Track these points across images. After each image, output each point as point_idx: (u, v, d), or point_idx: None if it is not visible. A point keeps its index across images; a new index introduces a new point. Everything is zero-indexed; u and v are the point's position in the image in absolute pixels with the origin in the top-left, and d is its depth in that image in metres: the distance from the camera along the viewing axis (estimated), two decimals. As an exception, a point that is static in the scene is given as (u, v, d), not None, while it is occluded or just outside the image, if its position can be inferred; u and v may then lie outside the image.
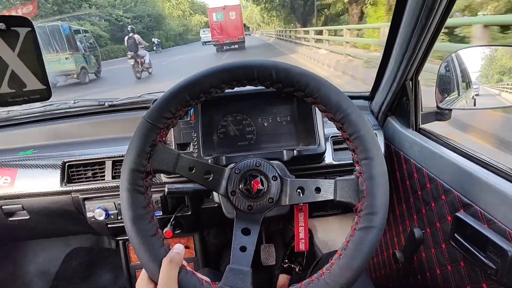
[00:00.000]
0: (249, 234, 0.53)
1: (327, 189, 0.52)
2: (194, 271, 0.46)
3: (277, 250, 1.32)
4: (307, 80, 0.49)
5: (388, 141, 0.91)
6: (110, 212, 0.90)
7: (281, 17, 26.84)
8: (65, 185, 0.89)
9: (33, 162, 0.92)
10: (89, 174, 0.91)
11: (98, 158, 0.90)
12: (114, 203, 0.90)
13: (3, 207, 0.92)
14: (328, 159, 0.88)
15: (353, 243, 0.46)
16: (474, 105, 0.74)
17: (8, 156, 0.96)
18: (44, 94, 0.55)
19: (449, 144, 0.71)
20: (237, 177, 0.55)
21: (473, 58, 0.74)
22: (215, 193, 0.78)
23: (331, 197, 0.52)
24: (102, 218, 0.89)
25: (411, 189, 0.80)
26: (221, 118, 0.88)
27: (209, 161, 0.77)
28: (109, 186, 0.89)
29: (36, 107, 1.10)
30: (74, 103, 1.10)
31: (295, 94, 0.51)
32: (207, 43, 28.90)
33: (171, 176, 0.85)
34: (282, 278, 1.21)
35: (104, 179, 0.89)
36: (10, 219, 0.94)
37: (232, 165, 0.57)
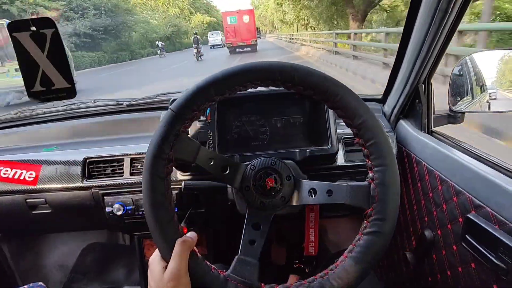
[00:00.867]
0: (259, 229, 0.55)
1: (339, 193, 0.54)
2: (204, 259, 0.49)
3: (288, 250, 1.34)
4: (327, 84, 0.51)
5: (400, 144, 0.91)
6: (127, 208, 0.93)
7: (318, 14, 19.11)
8: (86, 180, 0.93)
9: (56, 158, 0.96)
10: (108, 170, 0.95)
11: (117, 155, 0.94)
12: (132, 199, 0.93)
13: (27, 200, 0.97)
14: (340, 160, 0.89)
15: (360, 247, 0.48)
16: (489, 109, 0.74)
17: (32, 152, 1.01)
18: (70, 93, 0.60)
19: (461, 147, 0.71)
20: (252, 173, 0.57)
21: (488, 61, 0.74)
22: (229, 190, 0.80)
23: (342, 201, 0.53)
24: (120, 213, 0.93)
25: (422, 191, 0.80)
26: (235, 118, 0.91)
27: None
28: (127, 183, 0.92)
29: (58, 106, 1.16)
30: (94, 102, 1.15)
31: (314, 97, 0.53)
32: (215, 47, 28.35)
33: (186, 173, 0.88)
34: (292, 279, 1.22)
35: (122, 176, 0.93)
36: (33, 212, 0.99)
37: (248, 162, 0.59)
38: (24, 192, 0.95)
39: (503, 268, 0.50)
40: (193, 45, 15.48)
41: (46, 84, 0.54)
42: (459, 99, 0.78)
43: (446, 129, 0.87)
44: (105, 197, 0.94)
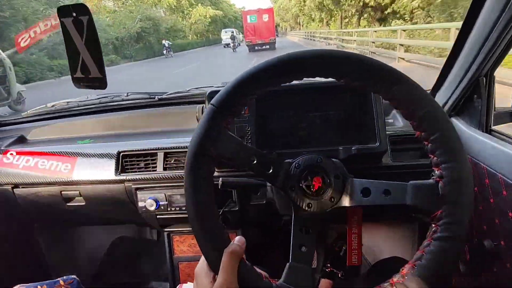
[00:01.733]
0: (308, 232, 0.51)
1: (399, 193, 0.48)
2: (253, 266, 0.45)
3: (318, 253, 1.28)
4: (383, 73, 0.46)
5: None
6: (160, 203, 0.91)
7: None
8: (119, 174, 0.92)
9: (91, 151, 0.96)
10: (142, 164, 0.93)
11: (151, 149, 0.92)
12: (165, 194, 0.91)
13: (62, 192, 0.97)
14: (386, 159, 0.83)
15: (431, 254, 0.42)
16: None
17: (67, 144, 1.01)
18: (102, 84, 0.58)
19: None
20: (297, 172, 0.53)
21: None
22: (268, 189, 0.77)
23: (403, 202, 0.48)
24: (152, 208, 0.91)
25: (480, 196, 0.73)
26: (271, 113, 0.87)
27: None
28: (160, 177, 0.90)
29: (92, 99, 1.16)
30: (127, 95, 1.15)
31: (367, 88, 0.48)
32: (229, 46, 25.09)
33: (222, 169, 0.85)
34: (324, 283, 1.16)
35: (155, 170, 0.91)
36: (68, 204, 1.00)
37: (292, 159, 0.55)
38: (59, 184, 0.96)
39: None
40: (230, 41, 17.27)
41: (85, 71, 0.53)
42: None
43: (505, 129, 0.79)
44: (138, 192, 0.93)
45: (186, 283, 0.98)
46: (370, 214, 0.95)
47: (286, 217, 1.00)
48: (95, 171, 0.94)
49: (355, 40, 12.20)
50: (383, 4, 15.47)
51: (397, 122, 0.91)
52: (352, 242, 0.78)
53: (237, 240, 0.45)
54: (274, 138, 0.86)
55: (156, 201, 0.91)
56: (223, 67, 11.38)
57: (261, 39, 18.18)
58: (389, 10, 15.35)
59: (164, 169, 0.91)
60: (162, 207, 0.92)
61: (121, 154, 0.93)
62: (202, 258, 0.45)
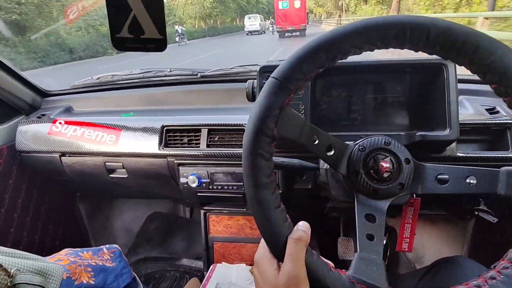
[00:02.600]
0: (374, 221, 0.46)
1: (487, 180, 0.42)
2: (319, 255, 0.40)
3: (356, 245, 1.23)
4: (477, 40, 0.38)
5: None
6: (202, 180, 0.89)
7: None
8: (163, 148, 0.91)
9: (135, 124, 0.96)
10: (185, 140, 0.91)
11: (195, 125, 0.90)
12: (207, 171, 0.89)
13: (106, 163, 0.98)
14: (450, 150, 0.74)
15: None
16: None
17: (112, 116, 1.02)
18: (160, 45, 0.53)
19: None
20: (362, 155, 0.48)
21: None
22: (321, 172, 0.71)
23: (493, 191, 0.42)
24: (194, 185, 0.90)
25: None
26: (322, 93, 0.81)
27: None
28: (203, 154, 0.88)
29: (136, 73, 1.15)
30: (170, 71, 1.13)
31: (455, 60, 0.41)
32: (253, 33, 23.09)
33: None
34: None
35: (199, 147, 0.89)
36: (110, 175, 1.01)
37: (353, 142, 0.50)
38: (104, 155, 0.97)
39: None
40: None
41: (135, 31, 0.48)
42: None
43: None
44: (180, 167, 0.92)
45: (220, 263, 0.98)
46: (423, 207, 0.88)
47: (330, 203, 0.95)
48: (139, 144, 0.93)
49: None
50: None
51: (464, 110, 0.82)
52: (403, 231, 0.72)
53: (302, 225, 0.40)
54: (325, 119, 0.81)
55: (199, 178, 0.89)
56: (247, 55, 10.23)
57: (292, 25, 18.08)
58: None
59: (208, 146, 0.89)
60: (203, 185, 0.90)
61: (165, 128, 0.92)
62: (262, 244, 0.41)
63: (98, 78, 1.16)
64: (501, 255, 0.38)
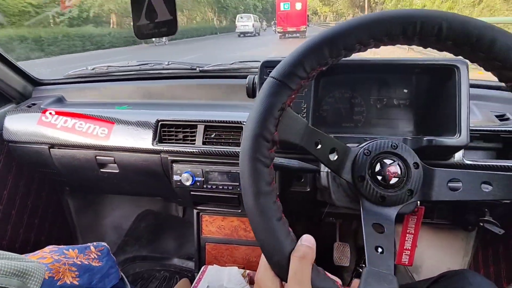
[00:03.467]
0: (383, 231, 0.43)
1: (505, 186, 0.40)
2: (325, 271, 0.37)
3: (351, 251, 1.20)
4: (493, 35, 0.35)
5: None
6: (196, 179, 0.86)
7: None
8: (156, 144, 0.87)
9: (129, 118, 0.92)
10: (180, 136, 0.88)
11: (191, 121, 0.86)
12: (202, 170, 0.86)
13: (97, 157, 0.94)
14: (457, 157, 0.72)
15: None
16: None
17: (105, 108, 0.98)
18: (172, 26, 0.53)
19: None
20: (368, 159, 0.45)
21: None
22: (322, 175, 0.68)
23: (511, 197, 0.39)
24: (188, 183, 0.86)
25: None
26: (325, 93, 0.78)
27: None
28: (198, 151, 0.85)
29: (132, 65, 1.12)
30: (168, 64, 1.09)
31: (468, 56, 0.38)
32: (246, 35, 20.08)
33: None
34: (356, 284, 1.09)
35: (194, 144, 0.86)
36: (101, 170, 0.97)
37: (357, 145, 0.47)
38: (95, 148, 0.93)
39: None
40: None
41: (150, 16, 0.47)
42: None
43: None
44: (174, 164, 0.88)
45: (212, 264, 0.94)
46: (426, 216, 0.85)
47: (328, 208, 0.92)
48: (132, 139, 0.89)
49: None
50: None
51: (473, 116, 0.79)
52: (404, 242, 0.69)
53: (306, 240, 0.37)
54: (327, 120, 0.78)
55: (193, 176, 0.86)
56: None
57: (293, 27, 18.31)
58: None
59: (204, 143, 0.85)
60: (198, 183, 0.86)
61: (160, 123, 0.88)
62: (263, 262, 0.38)
63: (93, 69, 1.12)
64: (505, 268, 0.35)
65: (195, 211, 1.04)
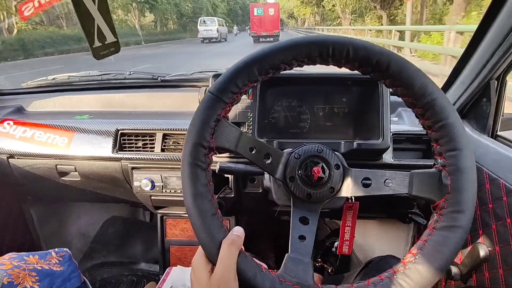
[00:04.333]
0: (307, 223, 0.50)
1: (400, 182, 0.48)
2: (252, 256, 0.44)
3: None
4: (388, 59, 0.44)
5: None
6: (156, 184, 0.90)
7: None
8: (116, 152, 0.91)
9: (89, 127, 0.95)
10: (140, 144, 0.92)
11: (150, 129, 0.91)
12: (161, 175, 0.90)
13: (58, 166, 0.96)
14: (387, 158, 0.82)
15: (434, 242, 0.42)
16: None
17: (65, 118, 1.00)
18: (117, 47, 0.57)
19: None
20: (297, 162, 0.52)
21: None
22: (266, 177, 0.76)
23: (405, 191, 0.47)
24: (147, 188, 0.90)
25: (479, 201, 0.72)
26: (274, 102, 0.85)
27: None
28: (157, 158, 0.89)
29: (94, 75, 1.14)
30: (130, 74, 1.13)
31: (371, 74, 0.47)
32: (211, 41, 18.87)
33: (220, 156, 0.83)
34: (315, 277, 1.17)
35: (153, 151, 0.90)
36: (62, 178, 0.99)
37: (291, 149, 0.54)
38: (55, 157, 0.95)
39: None
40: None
41: (101, 38, 0.51)
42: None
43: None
44: (134, 171, 0.92)
45: (176, 266, 0.98)
46: (365, 210, 0.94)
47: (280, 207, 1.00)
48: (92, 147, 0.92)
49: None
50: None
51: (401, 121, 0.90)
52: (344, 234, 0.77)
53: (236, 230, 0.43)
54: (275, 127, 0.85)
55: (152, 181, 0.90)
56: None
57: (266, 31, 18.89)
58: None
59: (162, 150, 0.90)
60: (157, 188, 0.91)
61: (120, 132, 0.92)
62: (199, 249, 0.43)
63: (53, 78, 1.14)
64: None
65: (159, 215, 1.08)
